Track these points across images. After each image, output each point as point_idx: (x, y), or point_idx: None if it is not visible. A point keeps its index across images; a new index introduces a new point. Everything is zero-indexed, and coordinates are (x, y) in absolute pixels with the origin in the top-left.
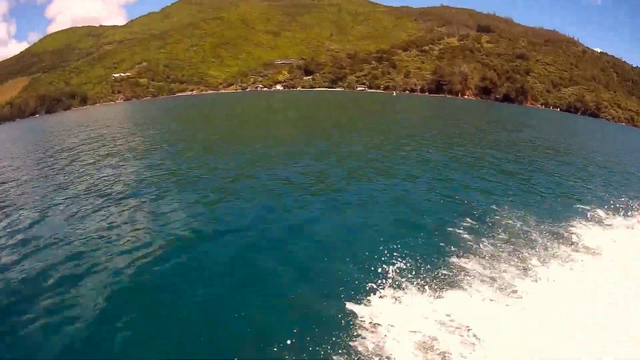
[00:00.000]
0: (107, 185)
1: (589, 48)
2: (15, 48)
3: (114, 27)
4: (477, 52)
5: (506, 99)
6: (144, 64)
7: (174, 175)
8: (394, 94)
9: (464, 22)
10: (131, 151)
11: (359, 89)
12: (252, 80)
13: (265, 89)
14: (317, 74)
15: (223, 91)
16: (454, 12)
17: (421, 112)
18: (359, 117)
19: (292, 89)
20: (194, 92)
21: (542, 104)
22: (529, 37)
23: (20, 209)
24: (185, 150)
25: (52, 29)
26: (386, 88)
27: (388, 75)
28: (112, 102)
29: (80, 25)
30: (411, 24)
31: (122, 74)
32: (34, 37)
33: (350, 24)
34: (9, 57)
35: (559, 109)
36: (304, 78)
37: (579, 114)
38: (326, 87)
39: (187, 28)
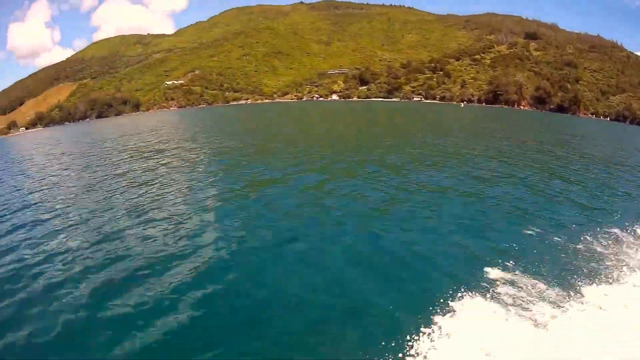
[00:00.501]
0: (199, 185)
1: (632, 52)
2: (60, 54)
3: (162, 35)
4: (527, 61)
5: (560, 109)
6: (196, 72)
7: (253, 183)
8: (462, 105)
9: (511, 29)
10: (213, 156)
11: (415, 99)
12: (307, 89)
13: (321, 98)
14: (372, 84)
15: (278, 100)
16: (499, 19)
17: (494, 126)
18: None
19: (348, 99)
20: (249, 101)
21: (592, 114)
22: (574, 43)
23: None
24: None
25: (98, 36)
26: (442, 98)
27: (443, 85)
28: (166, 109)
29: (128, 34)
30: (460, 32)
31: (174, 82)
32: (79, 43)
33: (400, 33)
34: (53, 62)
35: (608, 118)
36: (360, 88)
37: (627, 122)
38: (382, 98)
39: (238, 37)
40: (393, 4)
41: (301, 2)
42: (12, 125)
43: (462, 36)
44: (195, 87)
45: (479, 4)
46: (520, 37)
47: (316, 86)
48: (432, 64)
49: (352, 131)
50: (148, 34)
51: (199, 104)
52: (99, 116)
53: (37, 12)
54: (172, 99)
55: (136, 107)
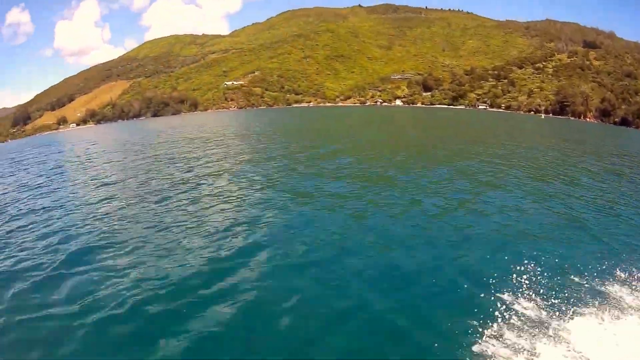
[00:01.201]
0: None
1: None
2: (110, 53)
3: (218, 36)
4: (588, 70)
5: (623, 122)
6: (256, 73)
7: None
8: (542, 117)
9: (570, 37)
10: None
11: (480, 107)
12: (370, 94)
13: (385, 103)
14: (436, 90)
15: (341, 104)
16: (559, 26)
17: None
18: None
19: (412, 105)
20: (311, 104)
21: None
22: (633, 53)
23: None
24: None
25: (150, 36)
26: (507, 107)
27: (509, 94)
28: (225, 110)
29: (182, 34)
30: (520, 39)
31: (234, 82)
32: (130, 43)
33: (460, 38)
34: (102, 61)
35: None
36: (423, 94)
37: None
38: (446, 105)
39: (298, 39)
40: (451, 9)
41: (359, 5)
42: (61, 121)
43: (522, 43)
44: (255, 89)
45: (532, 8)
46: (579, 45)
47: (379, 91)
48: (496, 72)
49: (454, 142)
50: (203, 34)
51: (259, 105)
52: (155, 115)
53: (86, 11)
54: (232, 100)
55: (194, 106)
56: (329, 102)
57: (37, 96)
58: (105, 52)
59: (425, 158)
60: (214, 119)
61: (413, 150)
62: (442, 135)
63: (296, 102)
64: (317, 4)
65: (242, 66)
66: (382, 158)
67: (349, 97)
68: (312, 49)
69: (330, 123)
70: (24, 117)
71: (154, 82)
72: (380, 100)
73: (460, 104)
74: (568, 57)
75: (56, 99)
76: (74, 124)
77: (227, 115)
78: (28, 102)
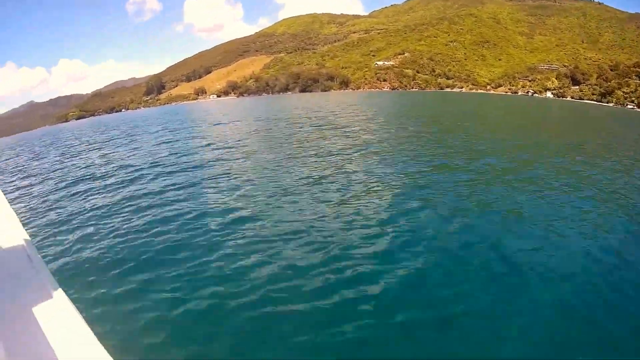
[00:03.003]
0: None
1: None
2: (243, 29)
3: (357, 16)
4: None
5: None
6: (406, 54)
7: None
8: None
9: None
10: None
11: (628, 106)
12: (520, 84)
13: (535, 94)
14: (584, 85)
15: (492, 92)
16: None
17: None
18: None
19: (561, 98)
20: (463, 90)
21: None
22: None
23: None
24: None
25: (284, 14)
26: None
27: None
28: (378, 90)
29: (320, 13)
30: None
31: (385, 63)
32: (264, 21)
33: (596, 30)
34: (236, 37)
35: None
36: (572, 88)
37: None
38: (595, 101)
39: (442, 23)
40: None
41: None
42: (200, 92)
43: None
44: (407, 70)
45: None
46: None
47: (529, 81)
48: (638, 69)
49: None
50: (342, 13)
51: (412, 87)
52: (303, 90)
53: None
54: (385, 80)
55: (344, 84)
56: (480, 89)
57: (169, 68)
58: (239, 28)
59: None
60: (385, 100)
61: None
62: None
63: (448, 86)
64: None
65: (389, 47)
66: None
67: (500, 86)
68: (457, 33)
69: (510, 117)
70: (158, 87)
71: (297, 58)
72: (532, 91)
73: (608, 101)
74: None
75: (192, 70)
76: (214, 95)
77: (391, 96)
78: (161, 73)
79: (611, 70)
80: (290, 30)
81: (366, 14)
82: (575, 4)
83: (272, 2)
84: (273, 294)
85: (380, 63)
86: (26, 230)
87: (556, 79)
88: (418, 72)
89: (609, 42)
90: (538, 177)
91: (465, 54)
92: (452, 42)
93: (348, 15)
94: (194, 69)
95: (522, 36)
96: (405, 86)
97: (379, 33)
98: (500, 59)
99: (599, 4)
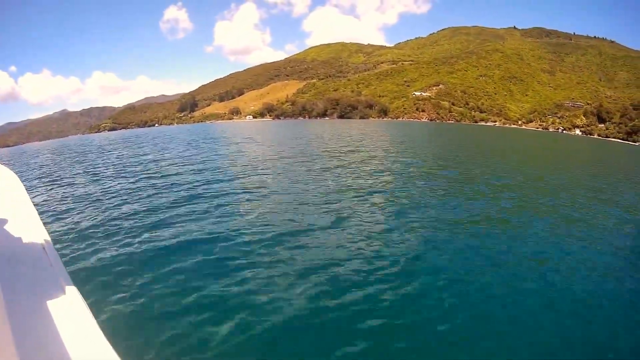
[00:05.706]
0: None
1: None
2: (271, 54)
3: (383, 47)
4: None
5: None
6: (440, 86)
7: None
8: None
9: None
10: None
11: None
12: (550, 120)
13: (565, 131)
14: (609, 123)
15: (524, 127)
16: None
17: None
18: None
19: (589, 136)
20: (497, 124)
21: None
22: None
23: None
24: None
25: (311, 42)
26: None
27: None
28: (417, 120)
29: (348, 42)
30: None
31: (422, 93)
32: (291, 47)
33: (612, 69)
34: (264, 62)
35: None
36: (598, 125)
37: None
38: (621, 139)
39: (471, 57)
40: (597, 36)
41: (514, 27)
42: (234, 112)
43: None
44: (443, 102)
45: None
46: None
47: (558, 117)
48: None
49: None
50: (369, 44)
51: (448, 120)
52: (341, 116)
53: (246, 14)
54: (423, 111)
55: (383, 112)
56: (513, 124)
57: (201, 87)
58: (267, 53)
59: None
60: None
61: None
62: None
63: (482, 120)
64: (472, 23)
65: (422, 78)
66: None
67: (531, 121)
68: (486, 68)
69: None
70: (192, 104)
71: (331, 85)
72: (562, 128)
73: (634, 140)
74: None
75: (224, 90)
76: (250, 116)
77: (436, 128)
78: (194, 91)
79: (634, 109)
80: (320, 58)
81: (390, 45)
82: (590, 42)
83: (299, 29)
84: (308, 305)
85: (417, 93)
86: (47, 230)
87: (584, 116)
88: (453, 104)
89: (625, 80)
90: None
91: (495, 88)
92: (482, 76)
93: (375, 45)
94: (227, 90)
95: (545, 73)
96: (442, 118)
97: (410, 64)
98: (527, 94)
99: (612, 42)
